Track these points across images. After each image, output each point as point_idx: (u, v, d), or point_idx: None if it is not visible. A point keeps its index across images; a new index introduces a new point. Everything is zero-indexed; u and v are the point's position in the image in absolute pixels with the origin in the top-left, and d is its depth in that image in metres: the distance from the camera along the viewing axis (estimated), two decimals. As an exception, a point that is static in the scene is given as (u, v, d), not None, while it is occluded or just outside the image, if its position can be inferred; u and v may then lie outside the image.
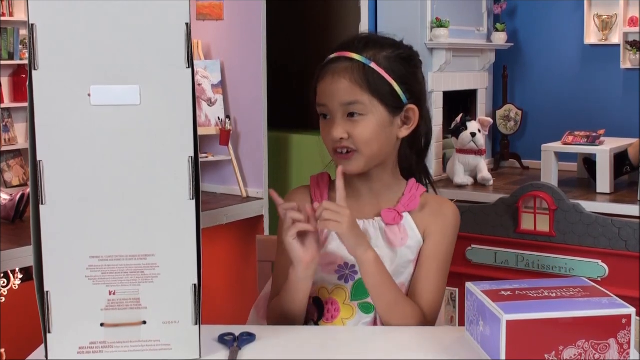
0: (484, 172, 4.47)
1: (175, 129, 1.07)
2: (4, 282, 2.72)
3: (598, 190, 4.17)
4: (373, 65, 1.34)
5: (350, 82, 1.33)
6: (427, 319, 1.36)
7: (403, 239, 1.37)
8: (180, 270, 1.09)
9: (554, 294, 1.12)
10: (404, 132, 1.38)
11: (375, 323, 1.37)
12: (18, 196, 2.91)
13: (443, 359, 1.14)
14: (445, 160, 4.72)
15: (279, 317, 1.36)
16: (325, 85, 1.35)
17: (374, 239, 1.37)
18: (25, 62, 3.89)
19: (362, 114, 1.33)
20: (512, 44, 5.18)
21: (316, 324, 1.38)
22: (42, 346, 1.10)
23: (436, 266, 1.39)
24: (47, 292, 1.07)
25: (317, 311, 1.39)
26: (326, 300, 1.38)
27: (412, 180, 1.44)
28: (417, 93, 1.39)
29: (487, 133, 4.59)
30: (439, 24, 4.50)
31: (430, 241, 1.39)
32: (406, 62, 1.38)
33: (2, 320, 2.62)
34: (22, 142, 3.99)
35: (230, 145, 3.56)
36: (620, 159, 4.26)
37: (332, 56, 1.37)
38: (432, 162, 4.57)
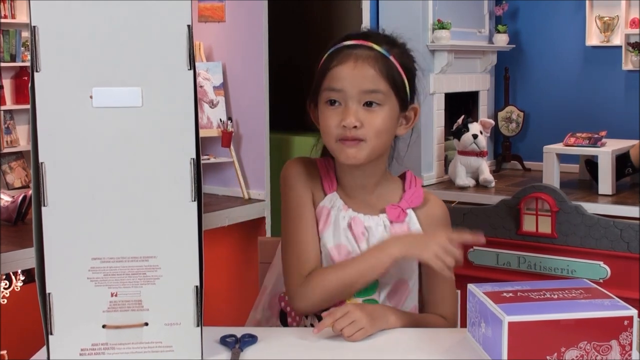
0: (486, 174, 4.46)
1: (176, 130, 1.07)
2: (5, 284, 2.72)
3: (600, 192, 4.16)
4: (392, 58, 1.33)
5: (374, 70, 1.31)
6: (451, 325, 1.38)
7: None
8: (182, 271, 1.09)
9: (556, 296, 1.12)
10: (402, 130, 1.39)
11: None
12: (20, 198, 2.91)
13: (445, 361, 1.14)
14: (447, 162, 4.71)
15: (334, 291, 1.32)
16: (345, 70, 1.31)
17: (379, 237, 1.36)
18: (27, 64, 3.89)
19: (380, 104, 1.32)
20: (514, 46, 5.17)
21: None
22: (44, 348, 1.10)
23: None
24: (49, 294, 1.07)
25: None
26: None
27: (409, 174, 1.44)
28: (417, 93, 1.40)
29: (488, 135, 4.58)
30: (440, 25, 4.50)
31: None
32: (412, 61, 1.39)
33: (4, 322, 2.62)
34: (24, 144, 4.00)
35: (232, 147, 3.56)
36: (622, 161, 4.25)
37: (348, 43, 1.34)
38: (434, 164, 4.56)
